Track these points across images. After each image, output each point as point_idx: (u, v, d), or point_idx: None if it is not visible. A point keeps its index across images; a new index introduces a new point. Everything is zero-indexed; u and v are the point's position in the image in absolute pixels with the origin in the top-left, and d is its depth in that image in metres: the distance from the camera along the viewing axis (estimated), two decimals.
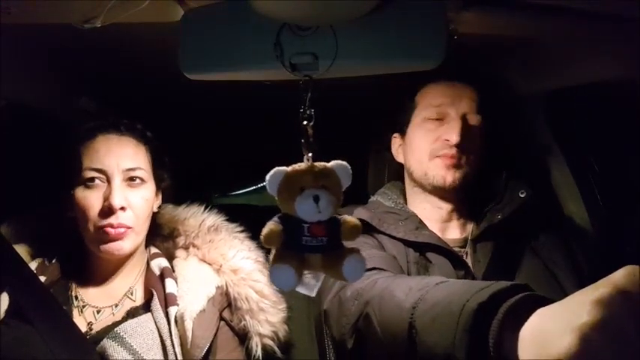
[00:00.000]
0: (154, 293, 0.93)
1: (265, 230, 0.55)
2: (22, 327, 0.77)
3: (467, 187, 1.05)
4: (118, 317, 0.92)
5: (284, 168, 0.56)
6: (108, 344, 0.84)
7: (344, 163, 0.58)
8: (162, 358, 0.87)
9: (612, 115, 1.06)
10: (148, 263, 1.00)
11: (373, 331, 0.74)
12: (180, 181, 1.09)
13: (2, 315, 0.78)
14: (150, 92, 1.34)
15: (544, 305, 0.45)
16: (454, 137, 1.00)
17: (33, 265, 0.91)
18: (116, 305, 0.94)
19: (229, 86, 0.68)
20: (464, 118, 1.02)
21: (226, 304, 0.99)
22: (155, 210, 1.01)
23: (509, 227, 1.03)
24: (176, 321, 0.90)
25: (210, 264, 1.02)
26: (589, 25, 0.78)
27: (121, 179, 0.91)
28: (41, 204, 1.03)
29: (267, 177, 0.56)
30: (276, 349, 0.99)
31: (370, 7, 0.59)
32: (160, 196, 1.03)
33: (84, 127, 0.96)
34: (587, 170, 1.14)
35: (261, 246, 1.06)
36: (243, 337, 0.99)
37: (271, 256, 0.56)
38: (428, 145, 1.04)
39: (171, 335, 0.89)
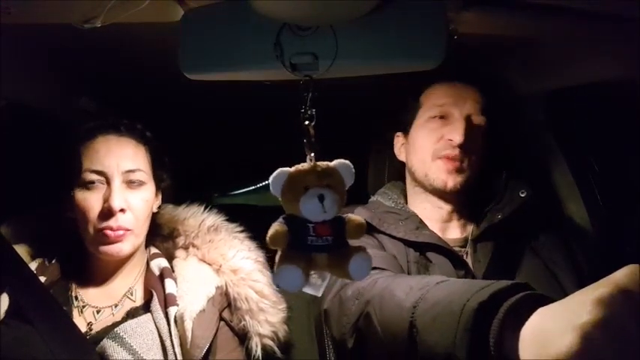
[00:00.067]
0: (154, 293, 0.93)
1: (271, 231, 0.55)
2: (22, 327, 0.77)
3: (468, 189, 1.05)
4: (118, 317, 0.92)
5: (287, 169, 0.56)
6: (108, 344, 0.84)
7: (347, 162, 0.58)
8: (162, 358, 0.87)
9: (612, 115, 1.06)
10: (147, 263, 1.00)
11: (374, 331, 0.74)
12: (180, 181, 1.09)
13: (2, 315, 0.78)
14: (150, 92, 1.34)
15: (545, 304, 0.45)
16: (457, 137, 1.00)
17: (33, 266, 0.91)
18: (116, 305, 0.94)
19: (229, 86, 0.68)
20: (468, 119, 1.02)
21: (226, 304, 0.99)
22: (155, 210, 1.01)
23: (510, 227, 1.03)
24: (176, 321, 0.90)
25: (210, 264, 1.02)
26: (589, 25, 0.78)
27: (121, 181, 0.91)
28: (41, 204, 1.03)
29: (271, 178, 0.56)
30: (276, 349, 0.98)
31: (370, 7, 0.59)
32: (160, 197, 1.03)
33: (84, 128, 0.96)
34: (587, 170, 1.14)
35: (261, 246, 1.06)
36: (242, 337, 0.98)
37: (277, 258, 0.56)
38: (431, 145, 1.04)
39: (170, 335, 0.89)
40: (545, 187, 1.18)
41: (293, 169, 0.56)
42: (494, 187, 1.10)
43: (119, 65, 1.11)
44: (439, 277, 0.75)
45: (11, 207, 0.99)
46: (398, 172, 1.21)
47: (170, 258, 1.03)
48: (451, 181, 1.02)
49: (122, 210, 0.89)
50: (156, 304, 0.91)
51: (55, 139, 1.06)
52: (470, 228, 1.09)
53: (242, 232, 1.08)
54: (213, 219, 1.07)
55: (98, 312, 0.92)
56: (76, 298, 0.93)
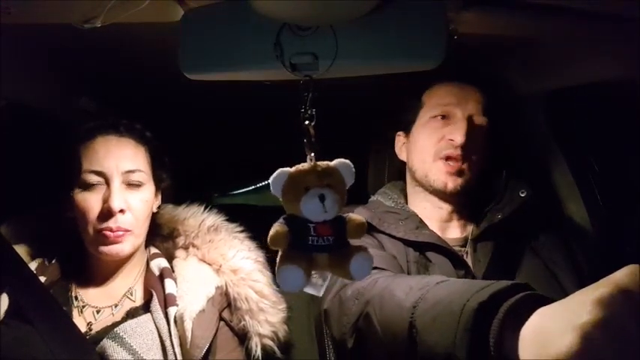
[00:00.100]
0: (154, 293, 0.93)
1: (272, 232, 0.55)
2: (22, 327, 0.77)
3: (469, 190, 1.05)
4: (118, 317, 0.92)
5: (287, 169, 0.56)
6: (108, 344, 0.84)
7: (347, 161, 0.58)
8: (161, 358, 0.87)
9: (612, 115, 1.06)
10: (147, 263, 1.00)
11: (373, 331, 0.74)
12: (180, 181, 1.09)
13: (2, 315, 0.78)
14: (150, 92, 1.34)
15: (545, 304, 0.45)
16: (459, 137, 1.00)
17: (33, 266, 0.91)
18: (116, 305, 0.94)
19: (229, 86, 0.68)
20: (470, 120, 1.02)
21: (226, 304, 0.99)
22: (155, 210, 1.01)
23: (510, 227, 1.03)
24: (175, 321, 0.90)
25: (209, 264, 1.02)
26: (589, 25, 0.78)
27: (120, 181, 0.91)
28: (41, 204, 1.03)
29: (271, 178, 0.56)
30: (275, 349, 0.98)
31: (370, 7, 0.59)
32: (160, 197, 1.03)
33: (83, 128, 0.96)
34: (587, 170, 1.14)
35: (261, 246, 1.06)
36: (242, 337, 0.98)
37: (278, 258, 0.56)
38: (432, 145, 1.04)
39: (170, 335, 0.89)
40: (545, 187, 1.18)
41: (293, 169, 0.56)
42: (494, 187, 1.10)
43: (119, 65, 1.11)
44: (439, 277, 0.75)
45: (11, 207, 0.99)
46: (398, 171, 1.21)
47: (170, 258, 1.03)
48: (451, 183, 1.02)
49: (122, 211, 0.89)
50: (156, 304, 0.91)
51: (54, 139, 1.06)
52: (470, 228, 1.09)
53: (242, 232, 1.08)
54: (213, 219, 1.07)
55: (98, 312, 0.92)
56: (76, 298, 0.93)
